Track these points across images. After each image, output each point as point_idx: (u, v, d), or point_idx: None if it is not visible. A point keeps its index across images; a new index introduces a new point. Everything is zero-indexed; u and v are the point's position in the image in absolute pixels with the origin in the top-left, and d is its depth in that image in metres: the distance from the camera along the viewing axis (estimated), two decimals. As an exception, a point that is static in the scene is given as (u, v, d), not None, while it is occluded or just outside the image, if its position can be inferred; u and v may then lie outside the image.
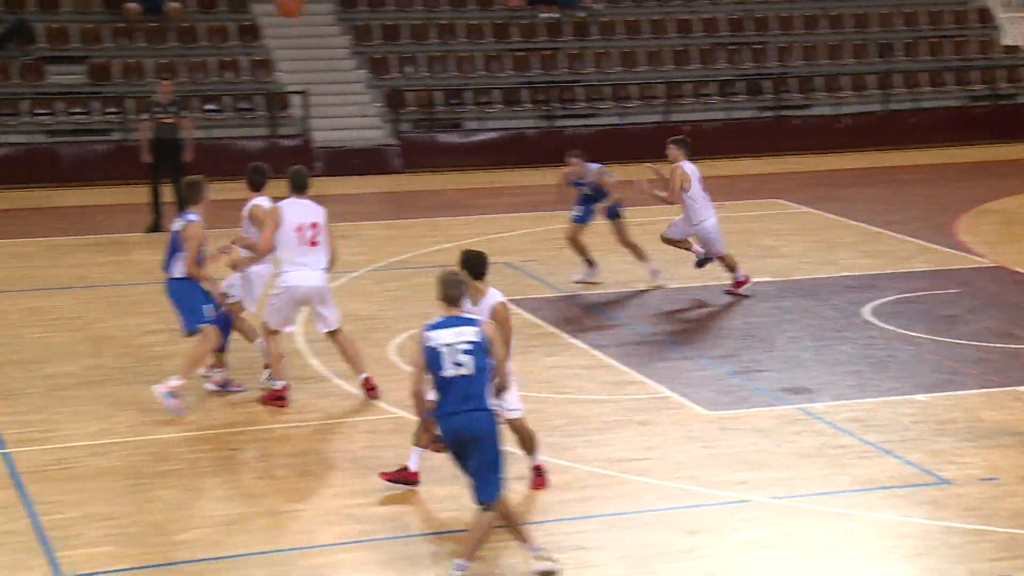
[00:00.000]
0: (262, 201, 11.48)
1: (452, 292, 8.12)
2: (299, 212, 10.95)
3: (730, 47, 26.33)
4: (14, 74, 22.64)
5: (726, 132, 25.01)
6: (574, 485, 9.53)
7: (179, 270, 10.89)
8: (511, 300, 14.26)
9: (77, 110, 22.60)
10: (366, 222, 18.95)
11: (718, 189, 21.88)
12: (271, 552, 8.51)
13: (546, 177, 22.87)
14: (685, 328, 13.44)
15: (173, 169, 17.69)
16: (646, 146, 24.67)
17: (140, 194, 20.24)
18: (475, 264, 8.96)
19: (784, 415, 10.88)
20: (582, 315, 13.99)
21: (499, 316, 8.88)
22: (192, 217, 10.87)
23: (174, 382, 10.78)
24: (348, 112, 24.10)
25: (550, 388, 11.61)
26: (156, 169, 17.79)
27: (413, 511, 9.10)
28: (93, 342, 12.91)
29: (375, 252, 16.87)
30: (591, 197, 15.05)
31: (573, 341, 13.02)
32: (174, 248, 10.89)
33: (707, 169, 24.81)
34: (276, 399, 11.01)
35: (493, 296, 9.02)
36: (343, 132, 23.59)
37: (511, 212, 19.75)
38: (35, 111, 22.35)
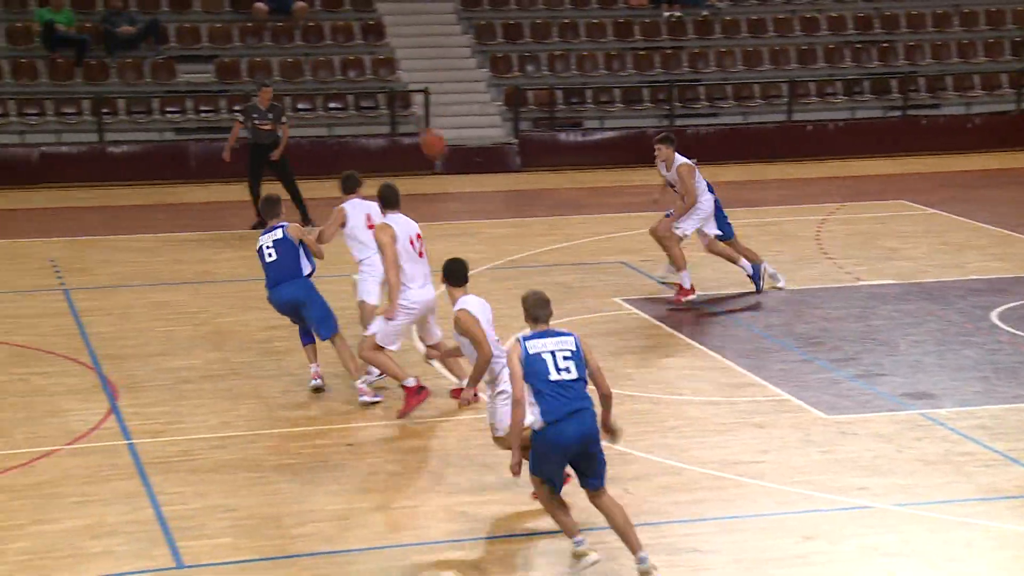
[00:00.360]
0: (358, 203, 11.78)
1: (540, 311, 8.23)
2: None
3: (856, 45, 25.88)
4: (146, 73, 23.19)
5: (851, 132, 24.59)
6: (689, 487, 9.45)
7: (307, 268, 11.18)
8: (627, 300, 14.35)
9: (205, 108, 23.06)
10: (485, 220, 19.03)
11: (842, 190, 21.62)
12: (385, 548, 8.59)
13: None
14: (804, 330, 13.23)
15: (273, 170, 18.03)
16: (768, 146, 24.46)
17: (264, 190, 20.58)
18: (454, 272, 9.44)
19: (906, 420, 10.66)
20: (699, 316, 13.87)
21: (459, 324, 9.21)
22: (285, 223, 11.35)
23: (362, 387, 11.07)
24: (468, 110, 24.21)
25: (665, 389, 11.53)
26: (255, 170, 18.07)
27: (525, 510, 9.10)
28: (215, 337, 13.16)
29: (494, 250, 16.93)
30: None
31: (689, 342, 12.91)
32: (295, 252, 11.10)
33: (831, 169, 24.45)
34: (418, 393, 10.89)
35: (458, 303, 9.34)
36: (463, 130, 23.69)
37: (629, 211, 19.65)
38: (165, 109, 22.86)
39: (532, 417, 8.05)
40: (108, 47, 23.11)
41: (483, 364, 9.22)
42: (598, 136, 24.11)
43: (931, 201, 19.72)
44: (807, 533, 8.67)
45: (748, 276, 14.59)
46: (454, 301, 9.41)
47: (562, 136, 23.90)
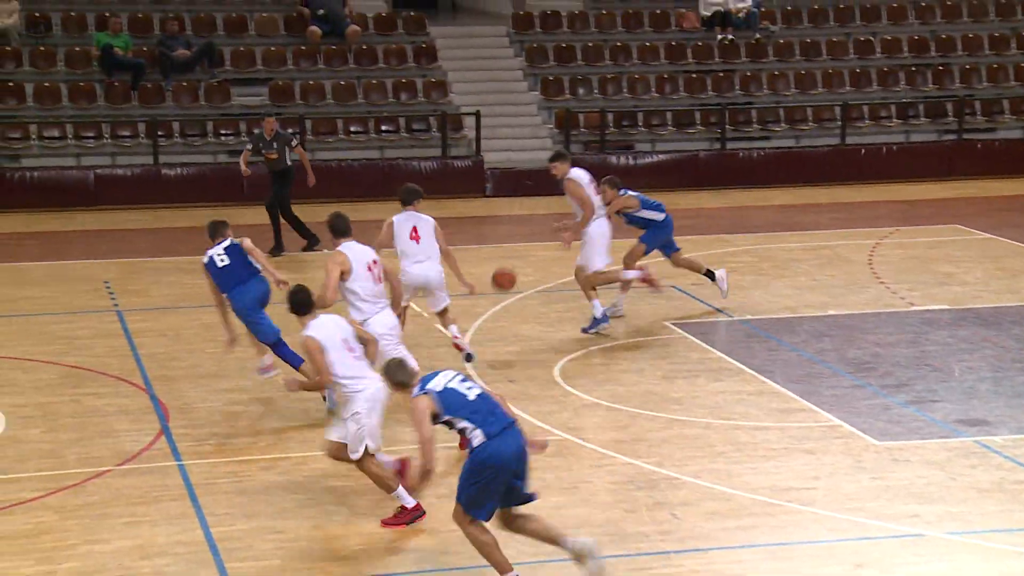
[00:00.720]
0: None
1: (401, 378, 8.51)
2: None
3: (911, 68, 25.70)
4: (201, 96, 23.43)
5: (905, 156, 24.40)
6: (738, 513, 9.38)
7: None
8: (676, 323, 14.29)
9: (258, 130, 23.22)
10: (535, 243, 19.03)
11: (895, 214, 21.45)
12: (433, 571, 8.58)
13: (718, 200, 22.71)
14: (856, 355, 13.12)
15: (277, 198, 18.29)
16: (821, 170, 24.31)
17: (315, 213, 20.69)
18: (298, 302, 9.63)
19: (960, 447, 10.54)
20: (749, 340, 13.79)
21: (304, 348, 9.54)
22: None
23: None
24: (519, 133, 24.26)
25: (715, 414, 11.46)
26: (282, 199, 18.40)
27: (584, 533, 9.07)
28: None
29: (544, 273, 16.93)
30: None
31: (740, 366, 12.84)
32: (244, 256, 11.77)
33: (884, 193, 24.26)
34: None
35: (306, 329, 9.55)
36: (514, 153, 23.76)
37: (680, 235, 19.56)
38: (219, 132, 23.08)
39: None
40: (164, 70, 23.38)
41: (314, 386, 9.85)
42: (649, 159, 24.08)
43: (986, 226, 19.52)
44: (858, 561, 8.58)
45: (595, 318, 13.96)
46: (304, 327, 9.56)
47: (613, 159, 23.89)
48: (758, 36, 25.97)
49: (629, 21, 26.25)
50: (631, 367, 12.82)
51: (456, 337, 12.59)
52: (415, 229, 12.34)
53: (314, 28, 24.41)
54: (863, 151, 24.42)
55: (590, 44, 25.59)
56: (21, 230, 19.99)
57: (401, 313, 11.66)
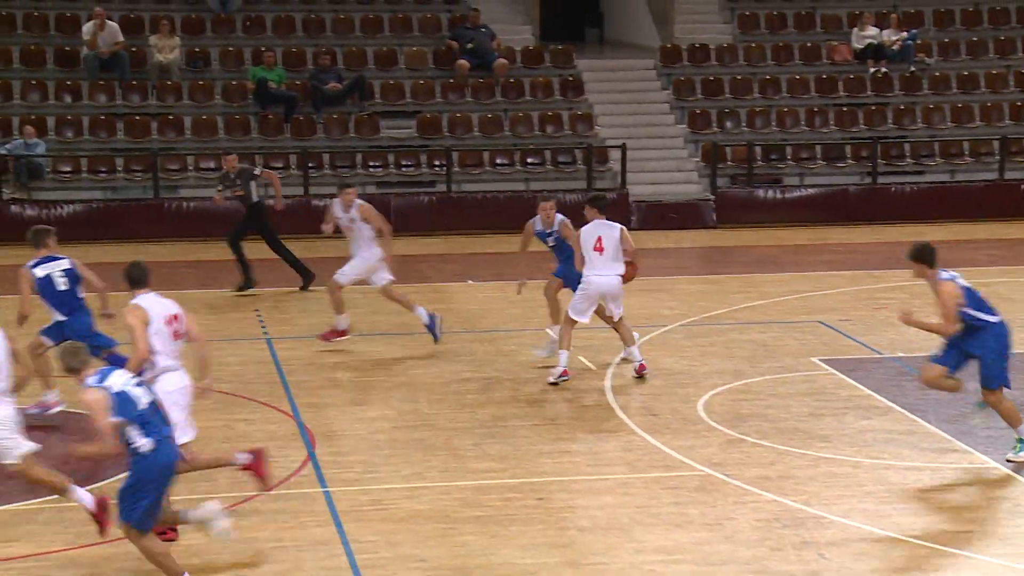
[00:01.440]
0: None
1: (71, 362, 8.62)
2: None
3: (1074, 101, 25.00)
4: (351, 128, 23.92)
5: (1066, 190, 23.73)
6: (888, 555, 9.17)
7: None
8: (824, 360, 14.07)
9: (406, 163, 23.63)
10: (679, 276, 18.95)
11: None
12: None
13: (869, 235, 22.32)
14: (1013, 396, 12.72)
15: (256, 231, 18.19)
16: (978, 205, 23.72)
17: (460, 244, 20.94)
18: (132, 276, 9.76)
19: (1123, 495, 10.14)
20: (900, 377, 13.50)
21: (127, 316, 9.72)
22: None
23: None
24: (665, 166, 24.21)
25: (864, 453, 11.24)
26: (240, 231, 18.19)
27: (716, 571, 8.97)
28: (409, 387, 13.40)
29: (687, 307, 16.83)
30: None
31: (890, 404, 12.57)
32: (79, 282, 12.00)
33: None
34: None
35: (135, 299, 9.78)
36: (659, 186, 23.71)
37: (829, 270, 19.32)
38: (368, 164, 23.50)
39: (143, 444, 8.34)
40: (316, 103, 23.93)
41: (136, 362, 9.61)
42: (797, 193, 23.80)
43: None
44: (1013, 609, 8.31)
45: (424, 325, 14.63)
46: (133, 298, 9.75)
47: (760, 193, 23.68)
48: (913, 69, 25.52)
49: (779, 54, 26.04)
50: (777, 403, 12.65)
51: (637, 362, 13.28)
52: (600, 239, 12.94)
53: (462, 61, 24.74)
54: (1023, 186, 23.79)
55: (738, 77, 25.43)
56: (178, 258, 20.61)
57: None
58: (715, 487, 10.49)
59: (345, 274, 14.94)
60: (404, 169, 23.54)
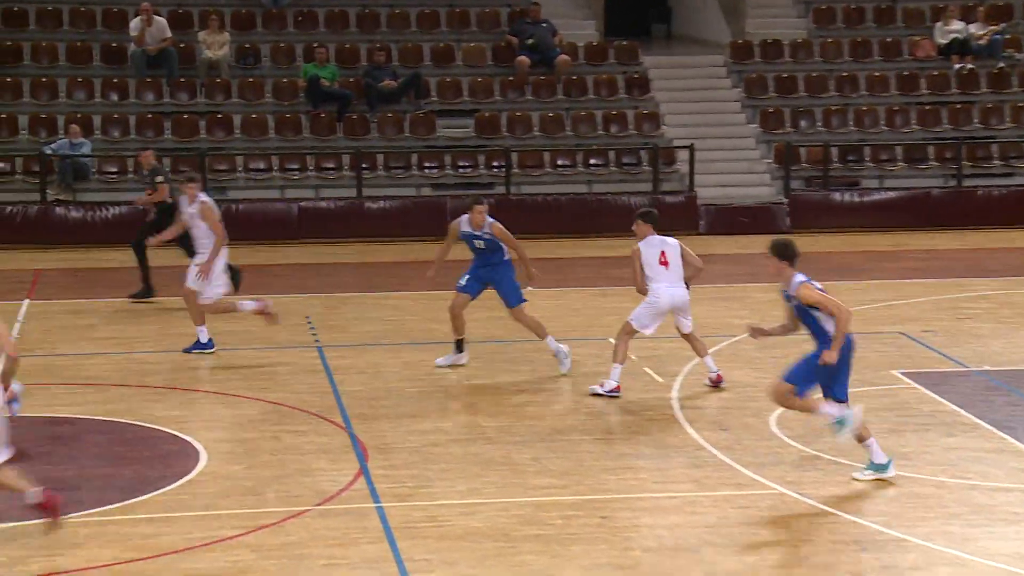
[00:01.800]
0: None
1: None
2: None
3: None
4: (406, 127, 23.98)
5: None
6: (973, 582, 9.03)
7: None
8: (905, 373, 13.91)
9: (463, 163, 23.66)
10: (751, 284, 18.81)
11: None
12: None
13: (953, 241, 22.05)
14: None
15: (156, 230, 17.02)
16: (1069, 209, 23.41)
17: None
18: None
19: None
20: (987, 392, 13.31)
21: None
22: None
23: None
24: (736, 168, 24.08)
25: (949, 472, 11.08)
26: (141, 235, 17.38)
27: (790, 597, 8.87)
28: (466, 399, 13.39)
29: (760, 316, 16.65)
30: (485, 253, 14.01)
31: (976, 421, 12.40)
32: None
33: None
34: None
35: None
36: (730, 189, 23.59)
37: (911, 278, 19.11)
38: (423, 164, 23.56)
39: None
40: (370, 101, 24.02)
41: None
42: (876, 196, 23.58)
43: None
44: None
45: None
46: None
47: (837, 196, 23.48)
48: (1001, 64, 25.20)
49: (857, 49, 25.83)
50: (855, 419, 12.50)
51: (714, 372, 13.38)
52: (663, 253, 13.17)
53: (522, 58, 24.74)
54: (1118, 189, 23.46)
55: (814, 74, 25.25)
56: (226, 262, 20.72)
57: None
58: (789, 507, 10.38)
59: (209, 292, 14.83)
60: (461, 170, 23.57)
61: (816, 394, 10.86)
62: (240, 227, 22.23)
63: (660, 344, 14.44)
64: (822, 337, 10.69)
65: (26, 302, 17.52)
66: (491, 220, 14.10)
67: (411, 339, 15.72)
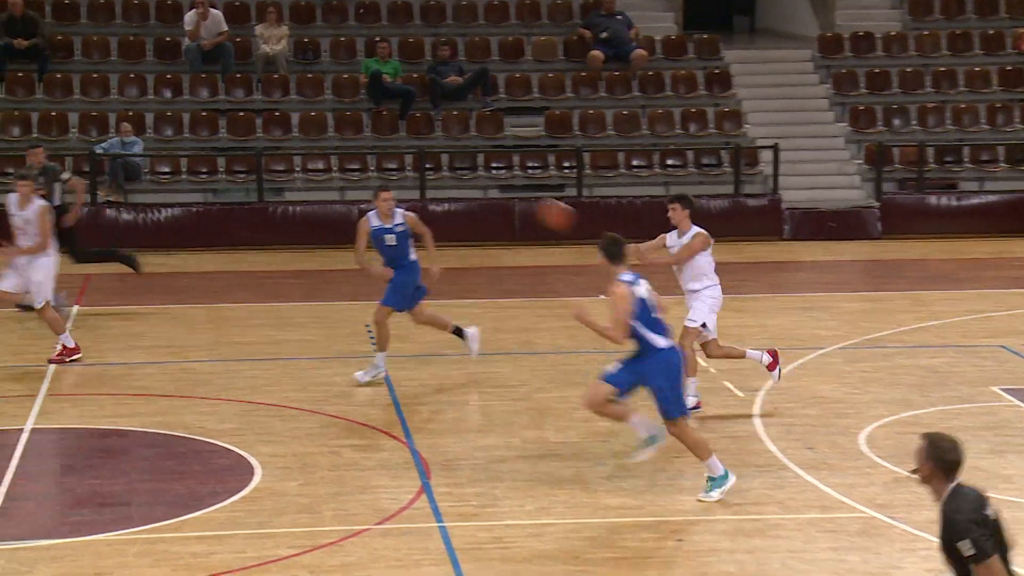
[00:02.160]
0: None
1: None
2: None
3: None
4: (472, 126, 24.05)
5: None
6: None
7: None
8: (1007, 389, 13.73)
9: (532, 164, 23.69)
10: (839, 293, 18.69)
11: None
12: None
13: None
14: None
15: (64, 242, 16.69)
16: None
17: (591, 255, 20.82)
18: None
19: None
20: (1096, 412, 13.11)
21: None
22: None
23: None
24: (823, 170, 23.92)
25: (1051, 496, 10.93)
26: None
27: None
28: (534, 413, 13.39)
29: (849, 327, 16.57)
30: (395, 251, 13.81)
31: (1083, 442, 12.22)
32: None
33: None
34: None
35: None
36: (817, 192, 23.43)
37: (1012, 287, 18.87)
38: (490, 165, 23.62)
39: None
40: (434, 98, 24.12)
41: None
42: (976, 200, 23.33)
43: None
44: None
45: None
46: None
47: (932, 200, 23.26)
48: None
49: (955, 43, 25.57)
50: (951, 438, 12.35)
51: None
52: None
53: (596, 52, 24.74)
54: None
55: (908, 69, 25.03)
56: (283, 268, 20.91)
57: None
58: (879, 531, 10.28)
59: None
60: (530, 172, 23.61)
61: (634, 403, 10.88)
62: (297, 230, 22.51)
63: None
64: (643, 343, 10.64)
65: (75, 308, 17.74)
66: (401, 210, 13.90)
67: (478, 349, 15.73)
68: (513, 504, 10.96)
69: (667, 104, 24.51)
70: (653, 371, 10.63)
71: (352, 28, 25.66)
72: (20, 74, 23.99)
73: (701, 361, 13.56)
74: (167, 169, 23.28)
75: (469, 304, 18.28)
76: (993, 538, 6.99)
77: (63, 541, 10.00)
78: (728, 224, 21.62)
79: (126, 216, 22.40)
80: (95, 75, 24.33)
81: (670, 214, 13.13)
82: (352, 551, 10.02)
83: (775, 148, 23.13)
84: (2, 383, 14.38)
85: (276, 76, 24.45)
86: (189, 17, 24.53)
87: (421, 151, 23.34)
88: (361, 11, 25.81)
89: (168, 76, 24.44)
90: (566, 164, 23.53)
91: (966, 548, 6.85)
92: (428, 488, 11.30)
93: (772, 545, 10.10)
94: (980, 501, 7.12)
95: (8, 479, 11.32)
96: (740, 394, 13.80)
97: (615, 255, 10.88)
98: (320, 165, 23.40)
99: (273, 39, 24.66)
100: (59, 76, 24.22)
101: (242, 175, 23.21)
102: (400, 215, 13.95)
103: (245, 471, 11.63)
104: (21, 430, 12.63)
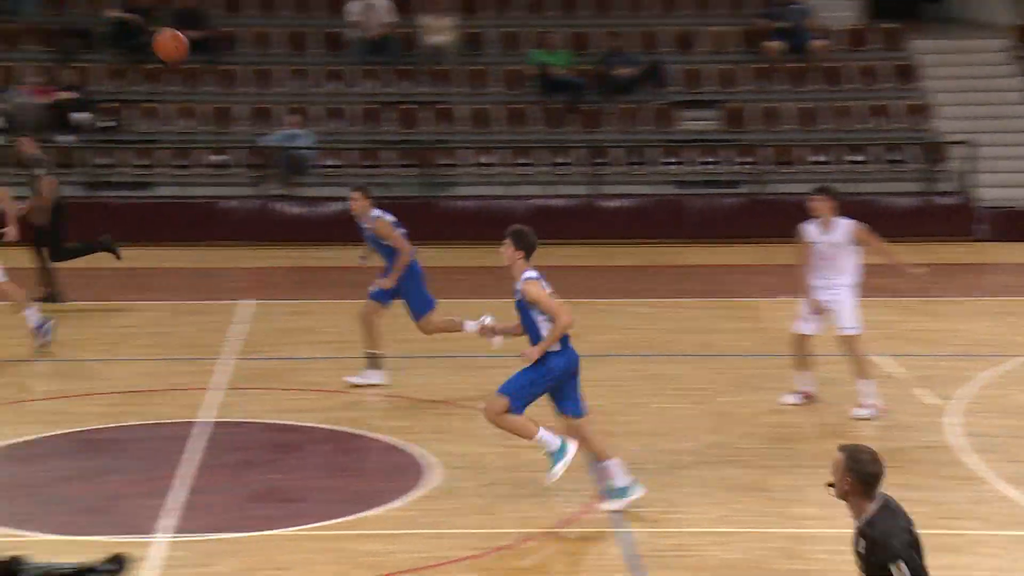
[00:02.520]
0: None
1: None
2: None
3: None
4: (644, 119, 24.00)
5: None
6: None
7: None
8: None
9: (707, 159, 23.56)
10: (1038, 297, 18.25)
11: None
12: None
13: None
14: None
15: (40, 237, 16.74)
16: None
17: (770, 254, 20.67)
18: None
19: None
20: None
21: None
22: None
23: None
24: (1019, 167, 23.40)
25: None
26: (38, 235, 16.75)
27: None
28: (716, 417, 13.32)
29: (1049, 334, 16.18)
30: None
31: None
32: None
33: None
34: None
35: None
36: (1012, 190, 22.93)
37: None
38: (663, 159, 23.54)
39: None
40: (604, 91, 24.12)
41: None
42: None
43: None
44: None
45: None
46: None
47: None
48: None
49: None
50: None
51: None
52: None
53: (773, 43, 24.52)
54: None
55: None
56: (451, 264, 21.08)
57: None
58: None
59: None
60: (704, 167, 23.49)
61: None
62: (465, 226, 22.69)
63: (936, 362, 14.11)
64: (537, 340, 10.47)
65: (253, 303, 18.14)
66: (377, 214, 13.78)
67: (653, 350, 15.71)
68: (697, 511, 10.91)
69: (849, 97, 24.20)
70: (556, 367, 10.55)
71: (520, 19, 25.79)
72: (191, 67, 24.57)
73: (882, 367, 13.35)
74: (335, 162, 23.63)
75: (643, 303, 18.25)
76: (921, 559, 6.78)
77: (243, 535, 10.23)
78: (915, 223, 21.33)
79: (294, 209, 22.81)
80: (260, 67, 24.80)
81: (815, 205, 12.99)
82: (529, 555, 10.08)
83: (967, 144, 22.68)
84: (177, 376, 14.77)
85: (442, 68, 24.67)
86: (355, 8, 24.88)
87: (591, 145, 23.38)
88: (529, 1, 25.91)
89: (333, 68, 24.80)
90: (742, 159, 23.37)
91: (902, 573, 6.63)
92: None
93: (974, 562, 9.91)
94: (908, 519, 6.88)
95: (192, 473, 11.62)
96: (938, 400, 13.55)
97: (527, 248, 11.06)
98: (487, 159, 23.56)
99: (439, 30, 24.89)
100: (224, 68, 24.74)
101: (408, 169, 23.47)
102: (372, 218, 13.82)
103: (419, 470, 11.77)
104: (203, 423, 12.95)
